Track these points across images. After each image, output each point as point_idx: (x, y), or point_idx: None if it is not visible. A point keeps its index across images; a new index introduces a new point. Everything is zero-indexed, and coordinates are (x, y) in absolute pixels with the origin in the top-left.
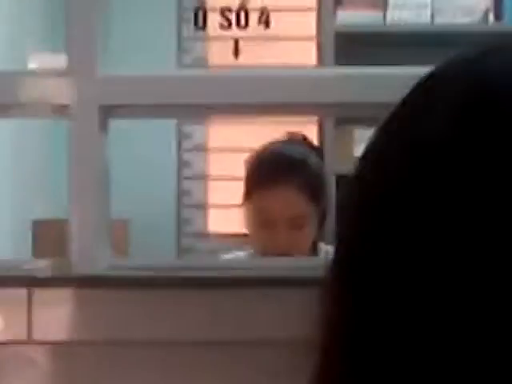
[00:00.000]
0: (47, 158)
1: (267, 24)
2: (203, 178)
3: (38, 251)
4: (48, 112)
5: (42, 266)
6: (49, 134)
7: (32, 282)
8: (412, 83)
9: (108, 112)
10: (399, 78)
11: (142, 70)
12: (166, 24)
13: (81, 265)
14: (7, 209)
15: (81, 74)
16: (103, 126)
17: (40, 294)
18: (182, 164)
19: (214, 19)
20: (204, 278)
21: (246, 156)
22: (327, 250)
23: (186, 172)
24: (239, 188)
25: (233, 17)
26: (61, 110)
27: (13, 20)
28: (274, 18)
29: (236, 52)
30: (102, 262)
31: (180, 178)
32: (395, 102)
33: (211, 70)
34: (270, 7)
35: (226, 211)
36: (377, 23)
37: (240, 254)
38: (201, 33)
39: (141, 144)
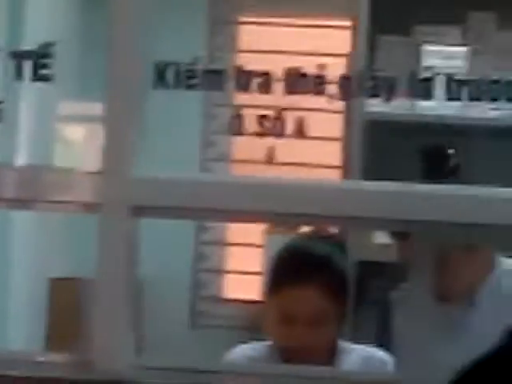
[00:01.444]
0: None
1: (302, 132)
2: (221, 243)
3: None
4: (78, 207)
5: (58, 362)
6: None
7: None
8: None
9: (137, 213)
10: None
11: (168, 170)
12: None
13: (102, 364)
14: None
15: (115, 175)
16: (132, 223)
17: None
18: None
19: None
20: None
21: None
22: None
23: (205, 237)
24: (257, 255)
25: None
26: (92, 208)
27: None
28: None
29: (270, 159)
30: (125, 360)
31: (197, 242)
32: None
33: (236, 177)
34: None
35: (243, 277)
36: (407, 111)
37: (253, 347)
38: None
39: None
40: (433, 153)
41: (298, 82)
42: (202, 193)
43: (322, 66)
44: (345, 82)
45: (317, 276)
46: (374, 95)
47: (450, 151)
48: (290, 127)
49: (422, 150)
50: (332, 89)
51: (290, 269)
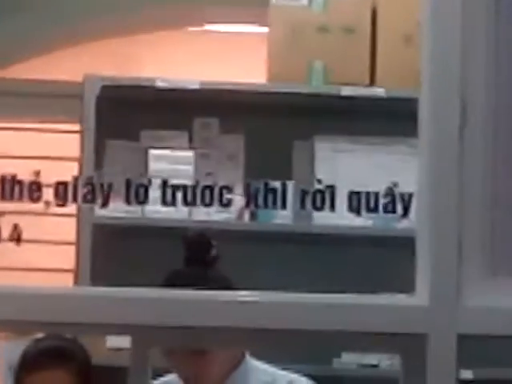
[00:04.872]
0: None
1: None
2: None
3: None
4: None
5: None
6: None
7: None
8: None
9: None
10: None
11: None
12: None
13: None
14: None
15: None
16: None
17: None
18: None
19: None
20: None
21: None
22: None
23: None
24: None
25: None
26: None
27: None
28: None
29: None
30: None
31: None
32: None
33: None
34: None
35: None
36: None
37: None
38: None
39: None
40: (196, 241)
41: (13, 188)
42: None
43: (37, 173)
44: (60, 188)
45: (63, 362)
46: (90, 201)
47: (213, 242)
48: (5, 233)
49: (184, 238)
50: (49, 195)
51: (36, 359)
